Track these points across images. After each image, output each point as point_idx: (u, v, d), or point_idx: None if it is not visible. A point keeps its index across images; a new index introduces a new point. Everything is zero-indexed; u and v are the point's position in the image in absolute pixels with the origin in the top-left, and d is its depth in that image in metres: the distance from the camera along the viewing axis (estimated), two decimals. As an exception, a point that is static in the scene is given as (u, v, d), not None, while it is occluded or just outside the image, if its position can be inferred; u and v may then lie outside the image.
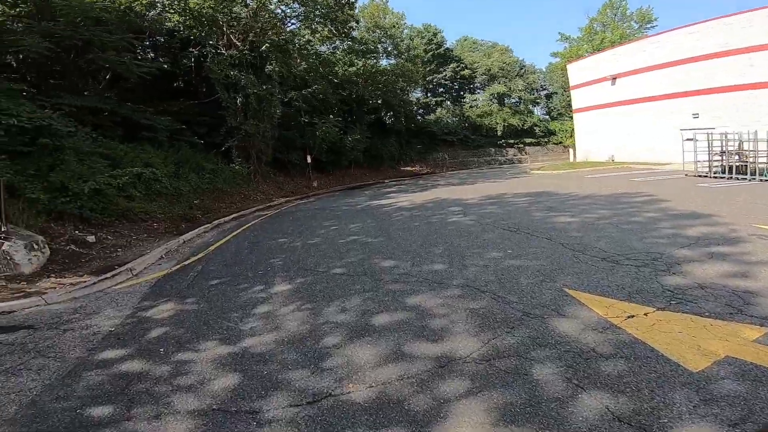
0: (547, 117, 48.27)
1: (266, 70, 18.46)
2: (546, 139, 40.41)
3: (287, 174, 21.90)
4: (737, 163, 15.23)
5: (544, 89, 50.59)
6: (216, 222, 12.20)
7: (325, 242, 7.67)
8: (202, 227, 11.13)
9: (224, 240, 9.18)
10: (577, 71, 31.72)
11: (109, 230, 9.42)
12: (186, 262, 7.27)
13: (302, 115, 21.70)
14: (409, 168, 32.34)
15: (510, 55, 46.19)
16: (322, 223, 10.08)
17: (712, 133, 16.29)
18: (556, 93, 49.60)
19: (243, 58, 17.61)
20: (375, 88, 29.68)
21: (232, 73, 17.03)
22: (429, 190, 17.21)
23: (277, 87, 18.33)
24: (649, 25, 43.96)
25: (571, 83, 32.50)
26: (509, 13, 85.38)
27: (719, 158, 16.20)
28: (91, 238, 8.52)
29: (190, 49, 17.53)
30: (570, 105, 46.48)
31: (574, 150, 32.37)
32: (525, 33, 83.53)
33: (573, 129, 42.04)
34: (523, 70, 46.89)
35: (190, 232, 10.31)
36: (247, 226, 11.23)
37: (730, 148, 15.87)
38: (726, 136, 15.85)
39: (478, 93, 45.13)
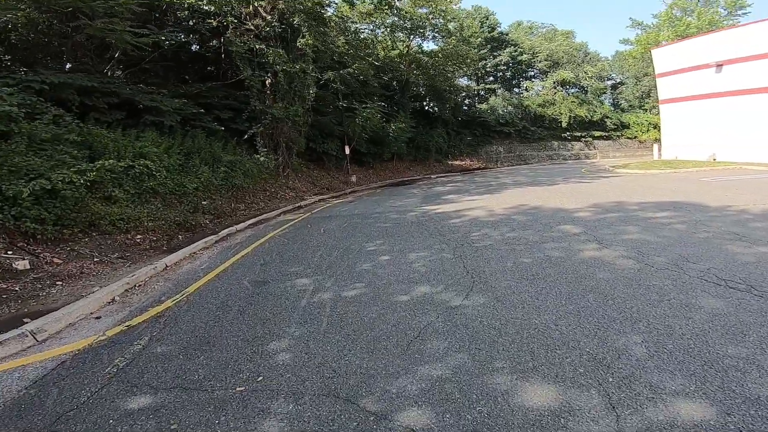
0: (614, 109, 42.73)
1: (298, 43, 15.37)
2: (618, 133, 35.12)
3: (322, 167, 18.88)
4: None
5: (611, 79, 44.96)
6: (225, 232, 9.26)
7: (374, 296, 4.31)
8: (203, 241, 8.19)
9: (220, 269, 6.09)
10: (665, 57, 26.54)
11: (63, 248, 6.58)
12: (134, 320, 4.21)
13: (340, 99, 18.54)
14: (458, 162, 28.59)
15: (573, 40, 41.03)
16: (364, 246, 6.76)
17: None
18: (624, 84, 43.94)
19: (271, 30, 14.61)
20: (420, 72, 26.11)
21: (257, 46, 14.06)
22: (499, 191, 13.50)
23: (311, 64, 15.22)
24: (740, 12, 37.61)
25: (657, 71, 27.31)
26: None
27: None
28: (21, 264, 5.66)
29: (209, 21, 14.64)
30: (645, 96, 40.79)
31: (659, 146, 27.27)
32: (584, 18, 76.59)
33: (650, 122, 36.55)
34: (588, 57, 41.53)
35: (183, 250, 7.38)
36: (262, 240, 8.16)
37: None
38: None
39: (535, 81, 40.31)
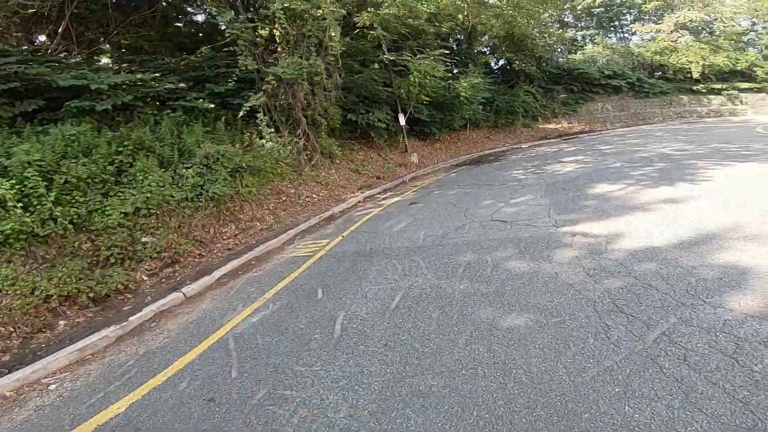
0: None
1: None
2: (773, 85, 25.70)
3: (369, 145, 13.62)
4: None
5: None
6: (154, 308, 4.50)
7: None
8: (75, 347, 3.42)
9: None
10: None
11: None
12: None
13: (384, 51, 12.94)
14: (552, 126, 21.75)
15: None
16: None
17: None
18: (754, 30, 32.52)
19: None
20: (492, 14, 19.34)
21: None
22: (695, 172, 7.20)
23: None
24: None
25: None
26: None
27: None
28: None
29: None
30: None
31: None
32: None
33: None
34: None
35: (17, 373, 2.59)
36: (198, 349, 3.13)
37: None
38: None
39: (643, 23, 30.89)
